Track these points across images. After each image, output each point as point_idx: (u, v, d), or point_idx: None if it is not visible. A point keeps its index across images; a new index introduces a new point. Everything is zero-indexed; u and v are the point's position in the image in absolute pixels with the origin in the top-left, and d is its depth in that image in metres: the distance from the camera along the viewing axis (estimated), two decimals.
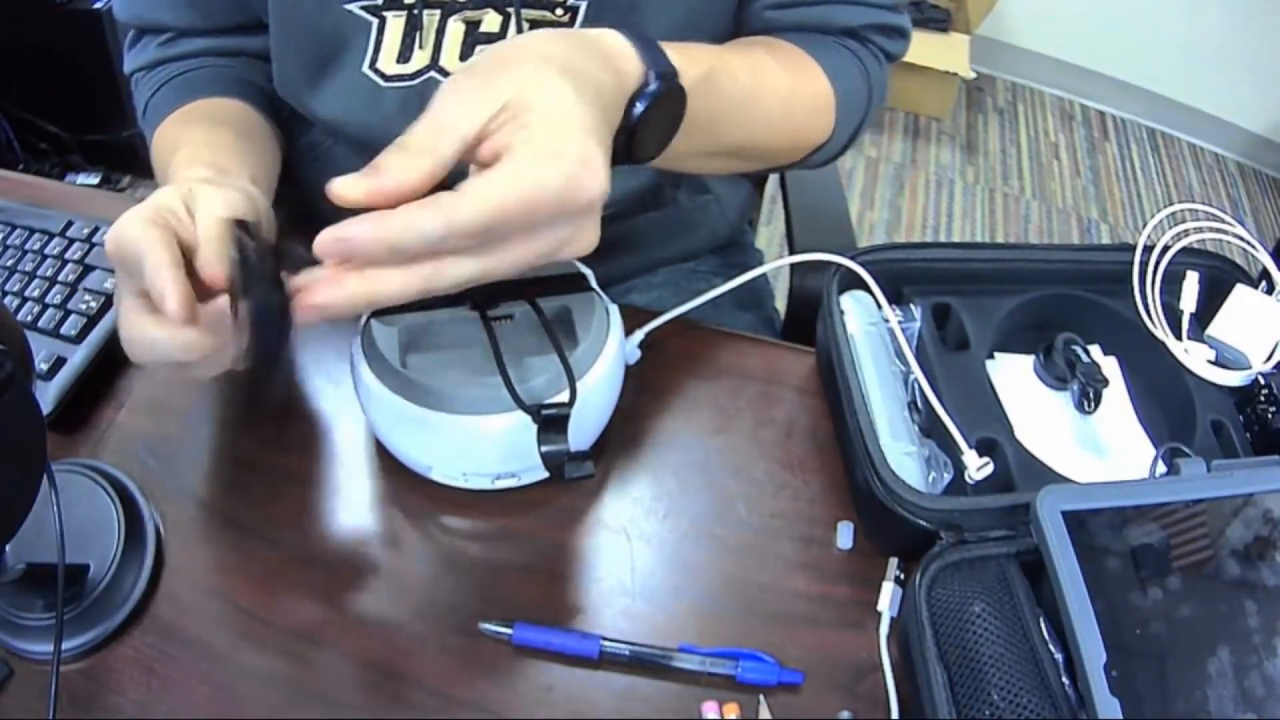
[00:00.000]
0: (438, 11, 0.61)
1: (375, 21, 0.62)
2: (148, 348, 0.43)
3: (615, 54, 0.46)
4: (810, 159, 0.67)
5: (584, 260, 0.58)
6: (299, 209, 0.70)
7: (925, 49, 2.33)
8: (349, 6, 0.61)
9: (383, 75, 0.63)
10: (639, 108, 0.47)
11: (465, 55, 0.62)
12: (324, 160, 0.74)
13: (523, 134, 0.39)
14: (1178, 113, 2.53)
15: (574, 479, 0.49)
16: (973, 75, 2.34)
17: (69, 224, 0.66)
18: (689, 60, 0.51)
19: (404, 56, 0.63)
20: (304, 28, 0.63)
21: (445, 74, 0.63)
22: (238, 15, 0.67)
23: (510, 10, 0.60)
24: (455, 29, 0.62)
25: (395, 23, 0.62)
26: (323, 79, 0.65)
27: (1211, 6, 2.31)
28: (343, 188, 0.39)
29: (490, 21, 0.61)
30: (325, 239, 0.39)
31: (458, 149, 0.40)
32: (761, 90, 0.60)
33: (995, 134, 2.49)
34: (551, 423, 0.49)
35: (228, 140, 0.59)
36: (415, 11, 0.61)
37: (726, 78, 0.56)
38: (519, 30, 0.61)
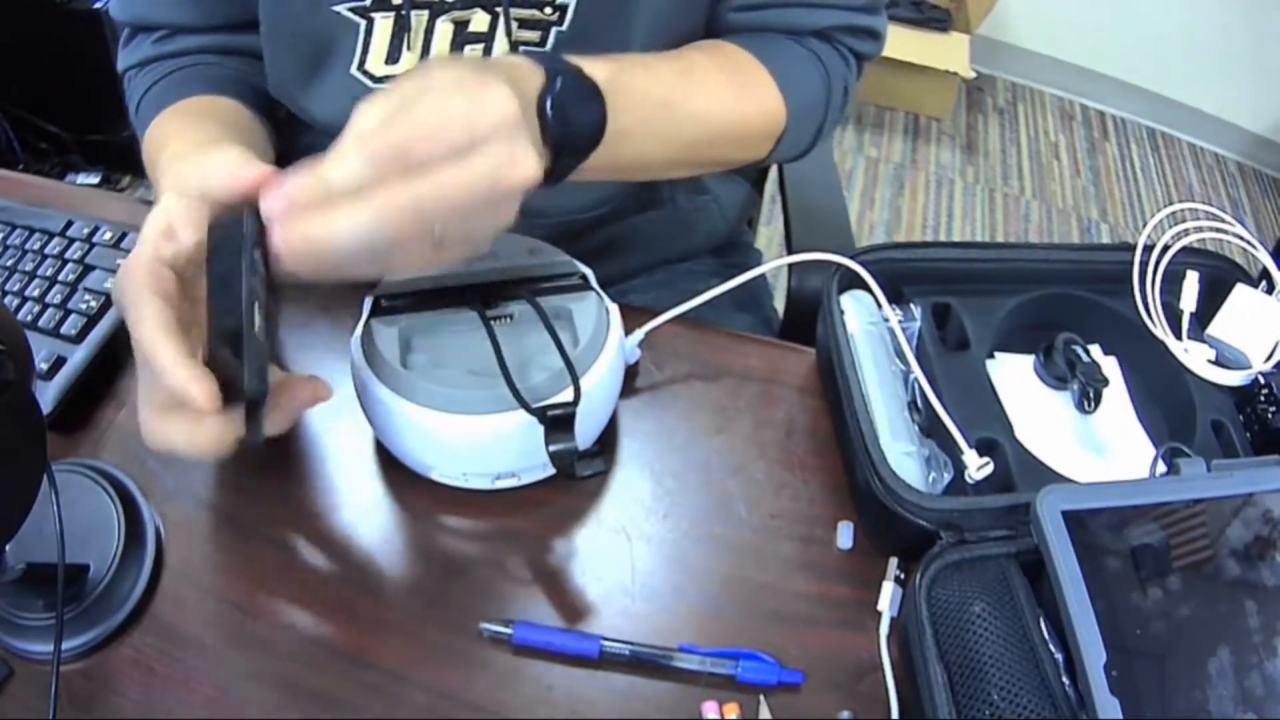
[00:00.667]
0: (425, 12, 0.61)
1: (363, 23, 0.62)
2: (184, 446, 0.44)
3: (516, 65, 0.47)
4: (769, 158, 0.69)
5: (583, 260, 0.58)
6: None
7: (925, 49, 2.33)
8: (337, 8, 0.61)
9: (371, 77, 0.63)
10: (548, 101, 0.47)
11: (455, 55, 0.62)
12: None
13: (423, 98, 0.41)
14: (1178, 113, 2.53)
15: (585, 477, 0.49)
16: (973, 75, 2.34)
17: (69, 224, 0.66)
18: (590, 62, 0.51)
19: (392, 58, 0.63)
20: (294, 28, 0.63)
21: None
22: (235, 12, 0.67)
23: (499, 10, 0.60)
24: (444, 29, 0.62)
25: (383, 24, 0.62)
26: (314, 80, 0.65)
27: (1212, 6, 2.31)
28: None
29: (479, 21, 0.61)
30: (269, 198, 0.41)
31: (385, 159, 0.40)
32: (694, 89, 0.60)
33: (995, 134, 2.49)
34: (557, 422, 0.49)
35: (219, 134, 0.59)
36: (403, 13, 0.61)
37: (642, 72, 0.56)
38: (507, 30, 0.61)
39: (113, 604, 0.50)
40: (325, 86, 0.65)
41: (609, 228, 0.77)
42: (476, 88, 0.41)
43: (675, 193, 0.80)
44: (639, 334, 0.62)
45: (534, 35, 0.62)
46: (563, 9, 0.60)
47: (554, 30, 0.62)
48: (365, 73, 0.63)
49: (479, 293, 0.55)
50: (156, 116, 0.63)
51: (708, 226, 0.82)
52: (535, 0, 0.60)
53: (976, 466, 0.52)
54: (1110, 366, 0.63)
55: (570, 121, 0.48)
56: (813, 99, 0.66)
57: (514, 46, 0.62)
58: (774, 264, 0.67)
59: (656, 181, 0.77)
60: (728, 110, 0.62)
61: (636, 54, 0.58)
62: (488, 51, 0.62)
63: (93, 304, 0.61)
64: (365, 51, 0.63)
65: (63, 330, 0.60)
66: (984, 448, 0.54)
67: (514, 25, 0.61)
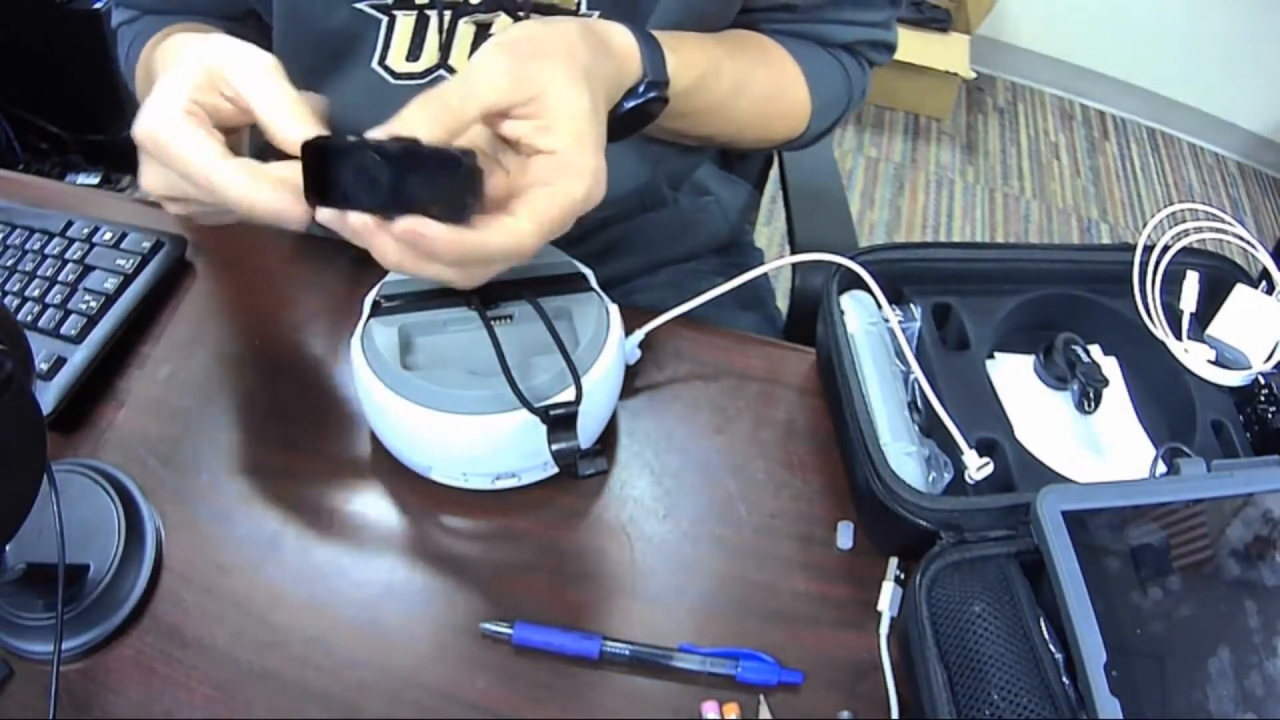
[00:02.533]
0: (449, 12, 0.61)
1: (385, 19, 0.62)
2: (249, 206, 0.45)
3: (623, 55, 0.51)
4: (777, 148, 0.74)
5: (587, 262, 0.58)
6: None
7: (925, 49, 2.33)
8: (359, 5, 0.61)
9: (392, 73, 0.64)
10: (626, 105, 0.52)
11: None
12: None
13: (547, 139, 0.44)
14: (1178, 113, 2.53)
15: (587, 475, 0.49)
16: (973, 75, 2.34)
17: (69, 224, 0.66)
18: (685, 64, 0.55)
19: (413, 55, 0.63)
20: (312, 25, 0.63)
21: (455, 73, 0.63)
22: (237, 5, 0.67)
23: (522, 15, 0.61)
24: (465, 30, 0.62)
25: (405, 21, 0.62)
26: (328, 78, 0.65)
27: (1212, 6, 2.32)
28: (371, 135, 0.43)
29: (501, 25, 0.62)
30: (407, 225, 0.41)
31: (476, 118, 0.44)
32: (742, 96, 0.64)
33: (995, 134, 2.50)
34: (559, 421, 0.49)
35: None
36: (426, 11, 0.61)
37: (713, 81, 0.60)
38: None
39: (113, 604, 0.50)
40: (341, 82, 0.65)
41: (612, 229, 0.77)
42: (594, 180, 0.44)
43: (677, 194, 0.80)
44: (639, 334, 0.62)
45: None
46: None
47: None
48: (386, 68, 0.64)
49: (479, 293, 0.55)
50: (149, 43, 0.63)
51: (710, 227, 0.82)
52: (557, 9, 0.60)
53: (976, 466, 0.52)
54: (1110, 366, 0.63)
55: (632, 125, 0.54)
56: (834, 99, 0.71)
57: None
58: (774, 264, 0.67)
59: (659, 183, 0.77)
60: (766, 110, 0.67)
61: (711, 49, 0.61)
62: None
63: (93, 304, 0.61)
64: (386, 47, 0.63)
65: (63, 330, 0.60)
66: (984, 448, 0.54)
67: None
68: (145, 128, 0.46)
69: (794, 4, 0.68)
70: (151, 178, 0.49)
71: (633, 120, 0.54)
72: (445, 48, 0.62)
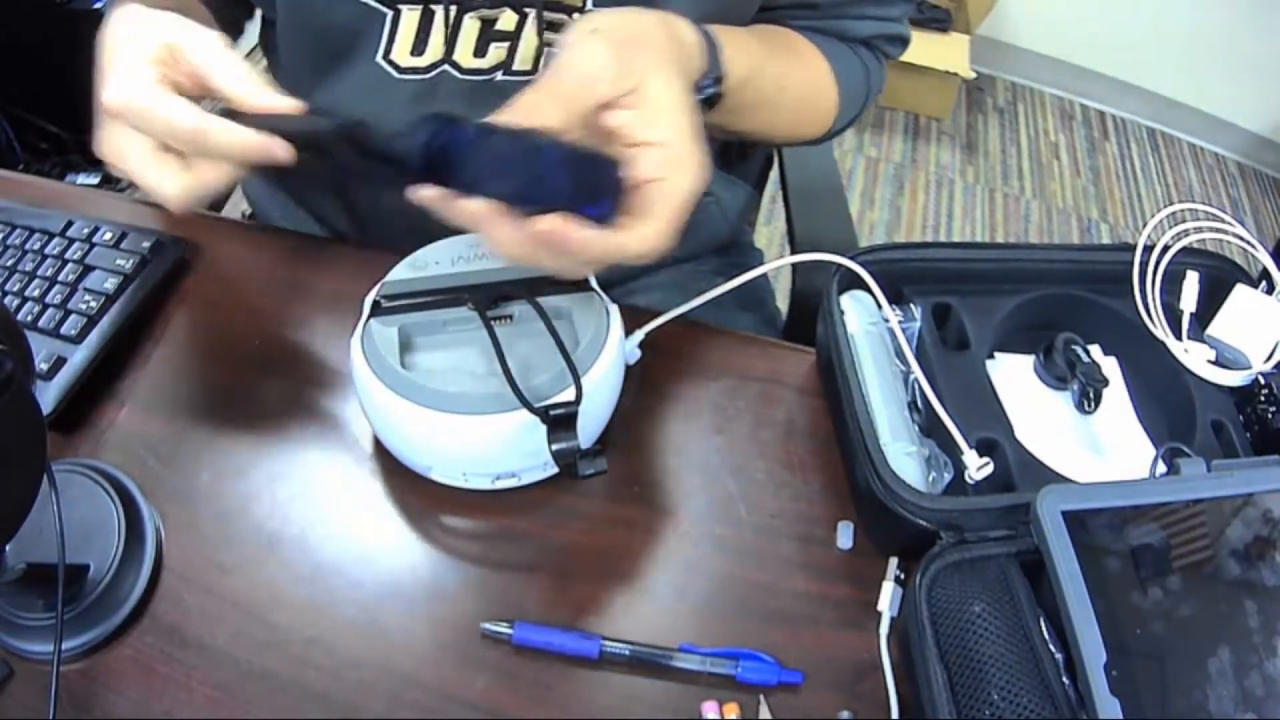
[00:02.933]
0: (454, 6, 0.61)
1: (390, 13, 0.62)
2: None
3: (690, 50, 0.51)
4: (799, 144, 0.75)
5: None
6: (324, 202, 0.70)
7: (925, 49, 2.33)
8: None
9: (396, 67, 0.64)
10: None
11: (480, 51, 0.63)
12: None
13: (650, 131, 0.44)
14: (1178, 113, 2.53)
15: (587, 475, 0.49)
16: (973, 75, 2.34)
17: (69, 224, 0.66)
18: (736, 60, 0.56)
19: (418, 49, 0.63)
20: (315, 20, 0.63)
21: (459, 68, 0.63)
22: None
23: (528, 11, 0.61)
24: (471, 25, 0.62)
25: (410, 15, 0.62)
26: (331, 72, 0.65)
27: (1212, 6, 2.31)
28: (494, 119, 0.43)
29: (506, 20, 0.62)
30: (552, 225, 0.41)
31: (589, 110, 0.43)
32: (783, 94, 0.65)
33: (995, 134, 2.49)
34: (560, 421, 0.49)
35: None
36: (431, 6, 0.61)
37: (759, 79, 0.60)
38: (539, 30, 0.62)
39: (113, 604, 0.50)
40: (347, 76, 0.65)
41: None
42: (700, 172, 0.44)
43: None
44: (639, 334, 0.62)
45: (560, 38, 0.63)
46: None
47: None
48: (390, 62, 0.64)
49: (479, 293, 0.55)
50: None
51: (710, 227, 0.82)
52: (563, 6, 0.60)
53: (976, 466, 0.52)
54: (1110, 366, 0.63)
55: None
56: (856, 95, 0.72)
57: (541, 47, 0.63)
58: (774, 264, 0.67)
59: None
60: (802, 107, 0.69)
61: (758, 48, 0.61)
62: (513, 51, 0.63)
63: (93, 304, 0.61)
64: (391, 41, 0.63)
65: (63, 330, 0.60)
66: (984, 448, 0.54)
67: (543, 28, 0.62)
68: (121, 97, 0.48)
69: (816, 2, 0.69)
70: (117, 143, 0.51)
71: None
72: (450, 42, 0.63)
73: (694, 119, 0.45)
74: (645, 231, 0.43)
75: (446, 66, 0.63)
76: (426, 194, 0.42)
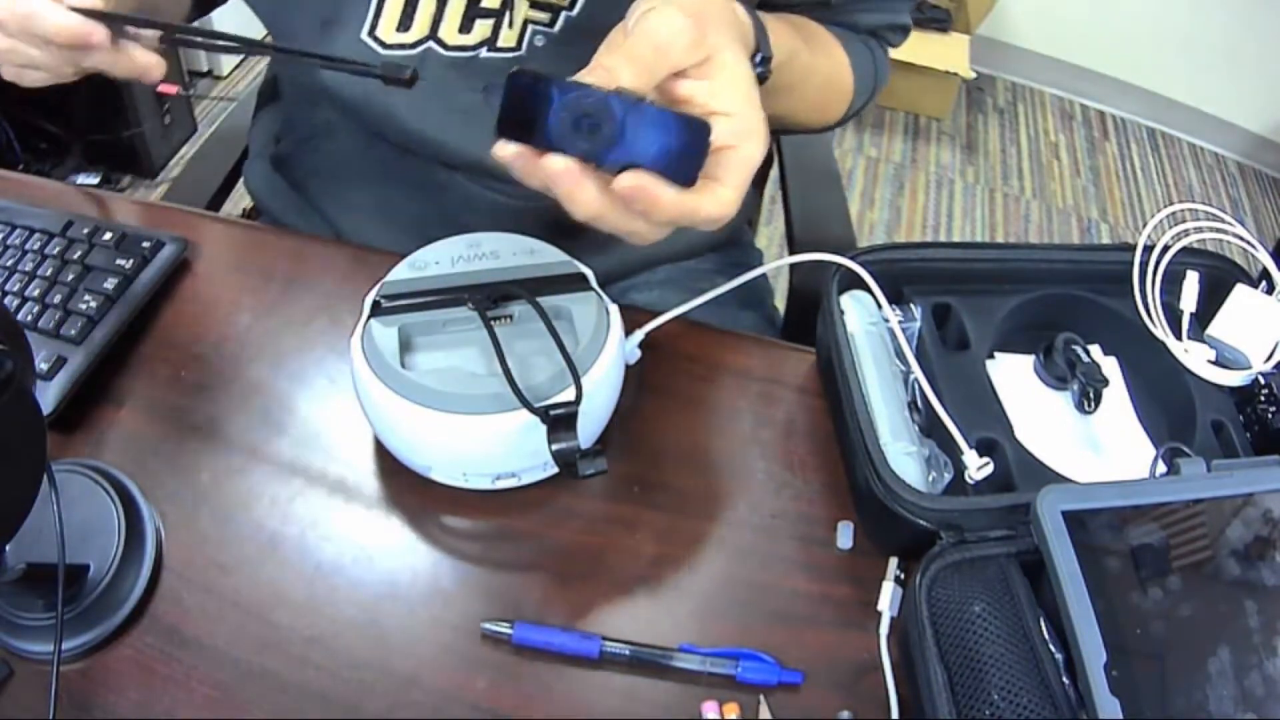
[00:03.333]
0: None
1: None
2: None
3: (746, 32, 0.52)
4: (813, 131, 0.77)
5: (586, 252, 0.58)
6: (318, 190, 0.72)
7: (925, 49, 2.33)
8: None
9: (382, 44, 0.64)
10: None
11: (465, 28, 0.63)
12: (336, 141, 0.74)
13: (720, 101, 0.44)
14: (1178, 113, 2.53)
15: (587, 475, 0.49)
16: (973, 75, 2.34)
17: (69, 224, 0.66)
18: (779, 45, 0.57)
19: (404, 25, 0.63)
20: None
21: (444, 45, 0.64)
22: None
23: None
24: (456, 3, 0.62)
25: None
26: (317, 48, 0.65)
27: (1212, 6, 2.31)
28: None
29: None
30: (637, 182, 0.42)
31: (664, 77, 0.44)
32: (809, 80, 0.67)
33: (995, 134, 2.50)
34: (560, 421, 0.49)
35: None
36: None
37: (794, 63, 0.62)
38: (515, 9, 0.62)
39: (113, 604, 0.50)
40: (332, 52, 0.65)
41: None
42: (764, 139, 0.45)
43: None
44: (639, 334, 0.62)
45: (544, 16, 0.64)
46: None
47: (563, 14, 0.63)
48: (375, 38, 0.64)
49: (479, 293, 0.55)
50: None
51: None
52: None
53: (976, 466, 0.52)
54: (1110, 366, 0.63)
55: None
56: (866, 83, 0.74)
57: (525, 25, 0.63)
58: (775, 264, 0.67)
59: None
60: (825, 95, 0.71)
61: (793, 33, 0.63)
62: (498, 28, 0.64)
63: (93, 305, 0.61)
64: (377, 17, 0.63)
65: (63, 331, 0.60)
66: (984, 448, 0.54)
67: (525, 6, 0.62)
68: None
69: (830, 1, 0.71)
70: None
71: None
72: (436, 20, 0.63)
73: (757, 92, 0.46)
74: (720, 196, 0.44)
75: (432, 43, 0.64)
76: (508, 151, 0.43)
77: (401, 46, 0.64)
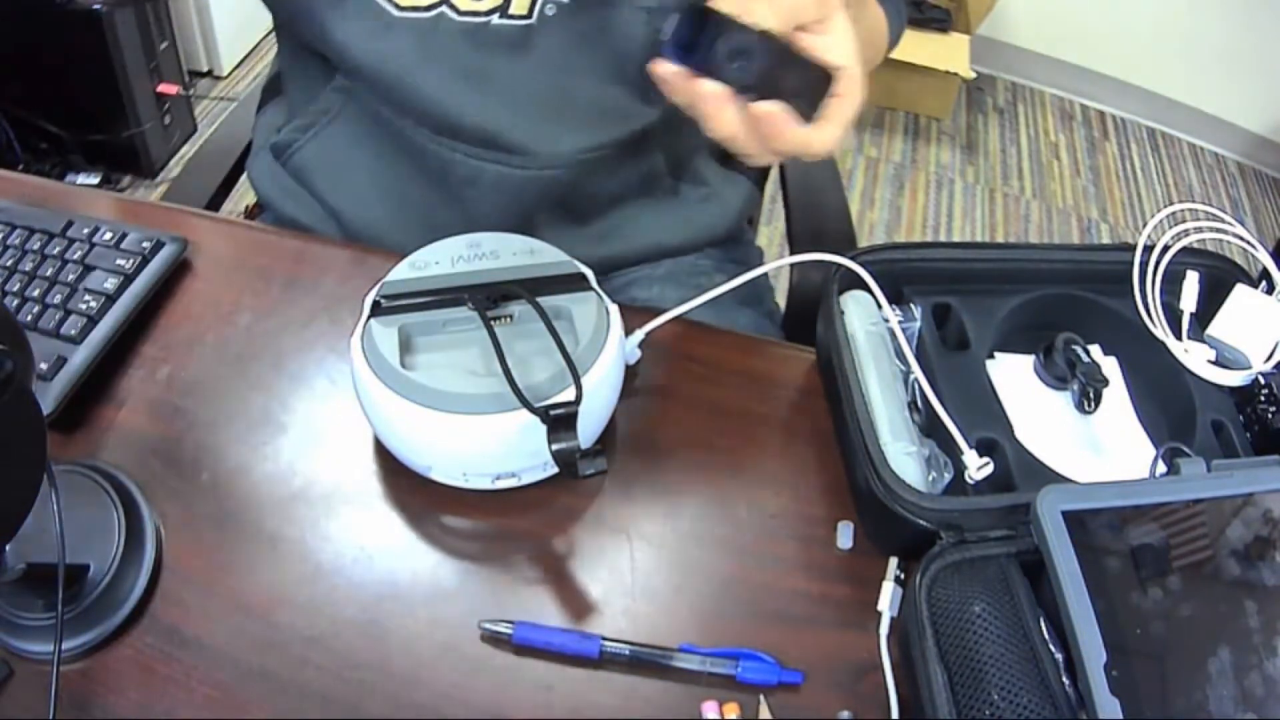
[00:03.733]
0: None
1: None
2: None
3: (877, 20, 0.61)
4: None
5: (590, 242, 0.58)
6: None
7: (925, 49, 2.33)
8: None
9: (396, 5, 0.64)
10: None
11: None
12: (337, 125, 0.74)
13: (833, 55, 0.50)
14: (1178, 113, 2.53)
15: (587, 475, 0.49)
16: (973, 75, 2.33)
17: (69, 224, 0.66)
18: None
19: None
20: None
21: (457, 10, 0.64)
22: None
23: None
24: None
25: None
26: (331, 9, 0.65)
27: (1211, 6, 2.31)
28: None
29: None
30: (773, 110, 0.48)
31: (792, 27, 0.49)
32: (867, 40, 0.69)
33: (995, 134, 2.49)
34: (559, 421, 0.49)
35: None
36: None
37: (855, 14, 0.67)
38: None
39: (113, 604, 0.50)
40: (350, 14, 0.65)
41: (616, 211, 0.77)
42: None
43: (679, 184, 0.81)
44: (639, 334, 0.62)
45: None
46: None
47: None
48: (391, 1, 0.64)
49: (479, 293, 0.55)
50: None
51: (710, 218, 0.83)
52: None
53: (976, 466, 0.52)
54: (1110, 366, 0.63)
55: None
56: (896, 34, 0.77)
57: None
58: (775, 264, 0.67)
59: (661, 171, 0.77)
60: (869, 49, 0.72)
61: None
62: None
63: (93, 304, 0.61)
64: None
65: (63, 331, 0.60)
66: (984, 448, 0.54)
67: None
68: None
69: None
70: None
71: None
72: None
73: (859, 50, 0.53)
74: (829, 134, 0.50)
75: (444, 8, 0.64)
76: (668, 69, 0.48)
77: (415, 9, 0.64)
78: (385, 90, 0.68)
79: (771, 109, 0.47)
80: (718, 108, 0.48)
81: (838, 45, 0.51)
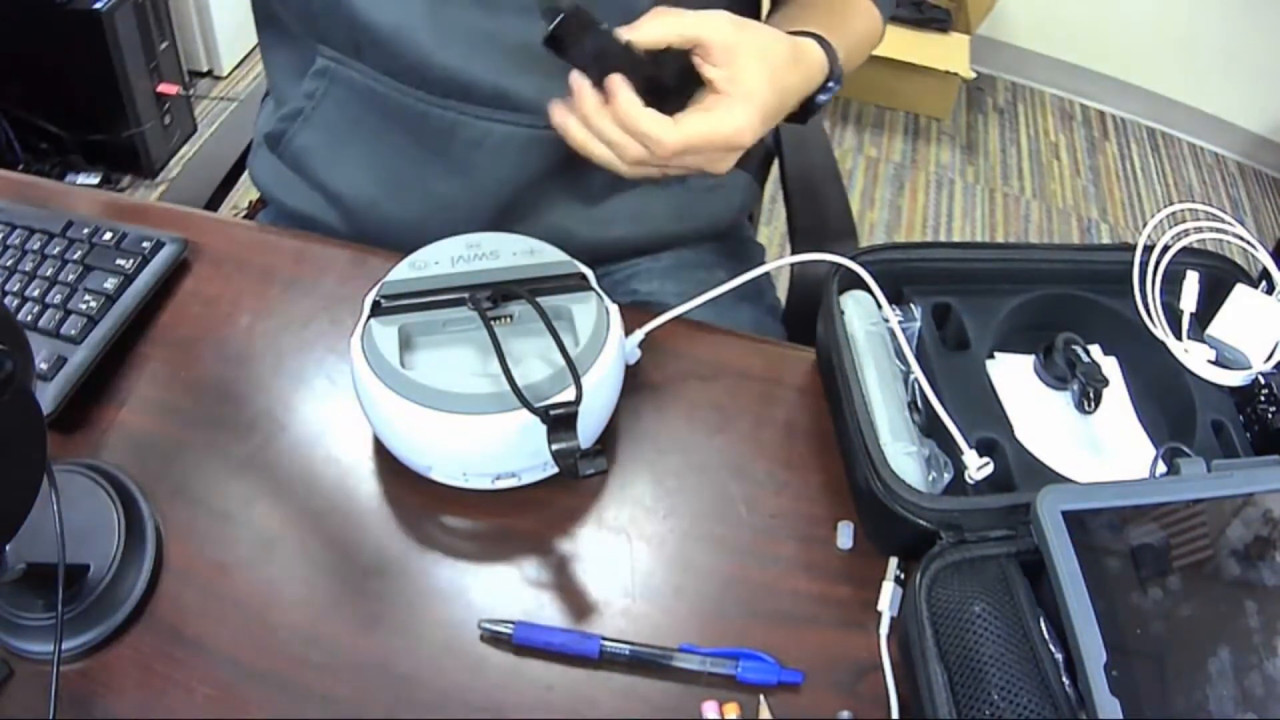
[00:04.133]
0: None
1: None
2: None
3: (816, 66, 0.65)
4: None
5: (594, 226, 0.58)
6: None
7: (925, 49, 2.33)
8: None
9: None
10: (819, 99, 0.67)
11: None
12: (322, 110, 0.74)
13: (729, 86, 0.58)
14: (1178, 113, 2.52)
15: (587, 475, 0.49)
16: (973, 75, 2.33)
17: (69, 224, 0.66)
18: (845, 54, 0.68)
19: None
20: None
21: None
22: None
23: None
24: None
25: None
26: None
27: (1211, 6, 2.31)
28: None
29: None
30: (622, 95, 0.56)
31: (691, 44, 0.57)
32: (854, 51, 0.74)
33: (995, 134, 2.49)
34: (559, 421, 0.49)
35: None
36: None
37: (847, 55, 0.71)
38: None
39: (113, 604, 0.50)
40: None
41: (619, 197, 0.77)
42: (746, 130, 0.58)
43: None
44: (639, 334, 0.62)
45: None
46: None
47: None
48: None
49: (479, 292, 0.55)
50: None
51: (712, 210, 0.83)
52: None
53: (976, 466, 0.52)
54: (1110, 366, 0.63)
55: (807, 115, 0.68)
56: (886, 13, 0.80)
57: None
58: (775, 264, 0.67)
59: None
60: (862, 53, 0.77)
61: (843, 32, 0.71)
62: None
63: (93, 304, 0.61)
64: None
65: (63, 331, 0.60)
66: (984, 448, 0.54)
67: None
68: None
69: None
70: None
71: (809, 115, 0.69)
72: None
73: (763, 103, 0.58)
74: (665, 129, 0.55)
75: None
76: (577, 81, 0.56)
77: None
78: (393, 54, 0.68)
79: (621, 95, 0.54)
80: (581, 91, 0.55)
81: (735, 80, 0.57)
